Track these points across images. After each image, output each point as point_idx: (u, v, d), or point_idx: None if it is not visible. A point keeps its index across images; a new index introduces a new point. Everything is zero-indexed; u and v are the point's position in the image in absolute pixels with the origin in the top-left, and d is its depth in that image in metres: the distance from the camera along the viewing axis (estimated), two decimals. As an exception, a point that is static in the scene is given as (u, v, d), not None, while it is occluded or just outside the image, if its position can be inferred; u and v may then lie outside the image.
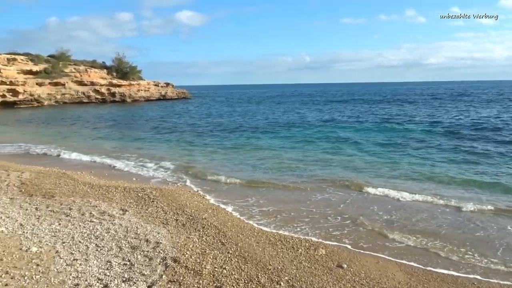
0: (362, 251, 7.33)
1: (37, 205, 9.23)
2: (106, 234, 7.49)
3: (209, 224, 8.25)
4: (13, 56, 62.72)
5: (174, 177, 13.18)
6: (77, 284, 5.55)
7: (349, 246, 7.56)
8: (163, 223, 8.24)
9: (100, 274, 5.91)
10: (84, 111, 47.08)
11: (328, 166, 14.64)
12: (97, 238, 7.30)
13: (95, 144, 21.28)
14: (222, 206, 9.92)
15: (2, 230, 7.53)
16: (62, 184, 11.14)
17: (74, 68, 67.05)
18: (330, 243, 7.67)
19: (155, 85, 76.18)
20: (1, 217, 8.25)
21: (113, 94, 66.56)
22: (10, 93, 57.50)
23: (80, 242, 7.12)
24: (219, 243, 7.23)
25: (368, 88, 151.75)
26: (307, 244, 7.45)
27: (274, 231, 8.22)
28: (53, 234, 7.47)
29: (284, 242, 7.50)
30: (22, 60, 63.44)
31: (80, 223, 8.07)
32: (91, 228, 7.82)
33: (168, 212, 8.97)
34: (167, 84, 79.09)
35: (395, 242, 7.74)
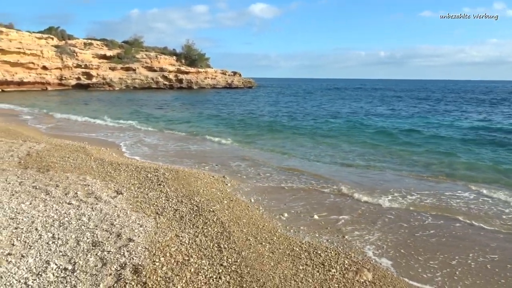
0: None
1: (24, 179, 7.73)
2: (74, 222, 5.63)
3: (214, 219, 6.05)
4: (89, 41, 65.71)
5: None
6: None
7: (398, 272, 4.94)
8: (157, 213, 6.21)
9: (21, 280, 4.00)
10: (159, 96, 47.46)
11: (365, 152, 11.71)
12: (60, 226, 5.47)
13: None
14: (244, 197, 7.67)
15: (-41, 206, 6.01)
16: (70, 159, 9.64)
17: (145, 54, 68.59)
18: (382, 264, 5.10)
19: (222, 73, 75.78)
20: (-26, 190, 6.79)
21: (180, 81, 67.14)
22: (85, 76, 60.25)
23: (36, 229, 5.33)
24: (215, 249, 5.01)
25: (450, 86, 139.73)
26: (346, 262, 4.97)
27: (303, 237, 5.81)
28: (13, 216, 5.78)
29: (311, 255, 5.09)
30: (97, 45, 66.29)
31: (54, 205, 6.32)
32: (63, 212, 6.02)
33: (170, 199, 6.94)
34: (234, 73, 78.30)
35: (489, 273, 4.96)
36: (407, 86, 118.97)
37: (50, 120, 20.96)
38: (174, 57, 72.17)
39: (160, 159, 10.97)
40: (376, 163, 11.33)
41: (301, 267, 4.75)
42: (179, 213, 6.26)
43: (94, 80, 60.37)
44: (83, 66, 60.30)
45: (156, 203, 6.71)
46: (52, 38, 61.82)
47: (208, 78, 71.40)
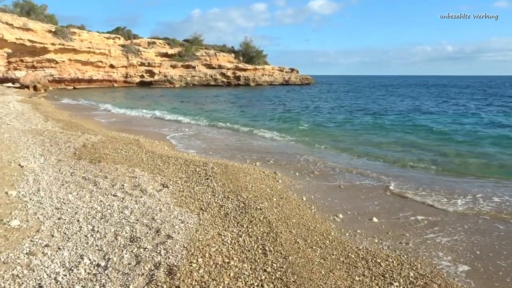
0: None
1: (76, 169, 7.76)
2: (116, 215, 5.41)
3: (261, 218, 5.55)
4: (153, 40, 68.25)
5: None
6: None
7: (494, 292, 4.10)
8: (201, 209, 5.84)
9: (51, 275, 3.78)
10: (217, 91, 48.25)
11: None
12: (101, 219, 5.27)
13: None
14: (295, 195, 7.09)
15: (11, 194, 6.06)
16: (123, 151, 9.64)
17: (205, 52, 69.95)
18: (455, 280, 4.30)
19: (280, 70, 75.32)
20: (28, 179, 6.88)
21: (237, 78, 67.68)
22: (148, 74, 62.70)
23: (78, 221, 5.17)
24: (260, 251, 4.51)
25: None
26: (411, 275, 4.24)
27: (360, 243, 5.13)
28: (59, 206, 5.70)
29: (369, 264, 4.42)
30: (160, 43, 68.71)
31: (100, 196, 6.18)
32: (107, 204, 5.85)
33: (217, 194, 6.55)
34: (292, 70, 77.48)
35: None
36: (477, 81, 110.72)
37: (111, 114, 21.74)
38: (233, 55, 72.86)
39: (211, 154, 10.70)
40: (442, 165, 10.21)
41: (357, 278, 4.10)
42: (224, 210, 5.84)
43: (156, 77, 62.66)
44: (146, 64, 62.78)
45: (201, 198, 6.35)
46: (119, 38, 65.05)
47: (265, 75, 71.28)
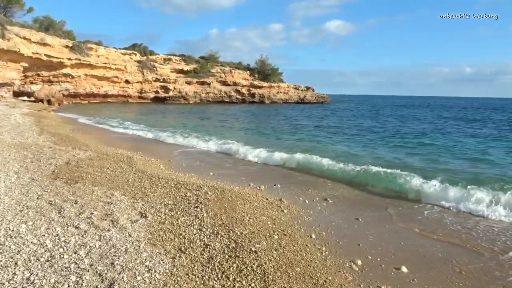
0: None
1: (46, 191, 6.62)
2: (67, 257, 4.19)
3: (254, 266, 4.24)
4: (169, 57, 68.33)
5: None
6: None
7: None
8: (180, 249, 4.57)
9: None
10: (231, 109, 47.42)
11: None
12: (47, 262, 4.06)
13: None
14: (302, 230, 5.76)
15: (-48, 222, 4.91)
16: (109, 170, 8.49)
17: (220, 69, 69.63)
18: None
19: (295, 88, 74.32)
20: (-15, 202, 5.76)
21: (252, 95, 66.95)
22: (163, 90, 62.51)
23: (16, 264, 3.97)
24: (245, 323, 3.19)
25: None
26: None
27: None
28: (2, 240, 4.52)
29: None
30: (176, 60, 68.70)
31: (58, 228, 4.98)
32: (63, 240, 4.64)
33: (204, 229, 5.28)
34: (307, 88, 76.36)
35: None
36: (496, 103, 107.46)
37: (118, 130, 20.83)
38: (248, 72, 72.33)
39: (212, 175, 9.45)
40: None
41: None
42: (208, 251, 4.55)
43: (170, 93, 62.41)
44: (161, 80, 62.67)
45: (184, 234, 5.08)
46: (135, 54, 65.25)
47: (281, 92, 70.39)
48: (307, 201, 7.45)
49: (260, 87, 68.36)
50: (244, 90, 66.95)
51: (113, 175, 8.00)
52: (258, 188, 8.28)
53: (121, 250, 4.41)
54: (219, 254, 4.49)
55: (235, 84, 67.63)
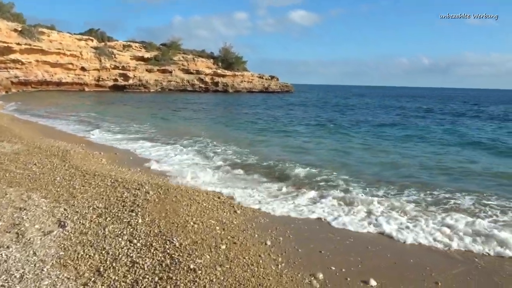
0: None
1: None
2: None
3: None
4: (128, 43, 65.42)
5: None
6: None
7: None
8: (98, 271, 3.60)
9: None
10: (201, 98, 45.81)
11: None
12: None
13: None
14: (256, 236, 4.91)
15: None
16: (35, 166, 7.30)
17: (182, 57, 67.48)
18: None
19: (259, 77, 73.40)
20: None
21: (216, 84, 65.50)
22: (122, 78, 59.83)
23: None
24: None
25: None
26: None
27: None
28: None
29: None
30: (136, 47, 65.87)
31: None
32: None
33: (136, 240, 4.31)
34: (272, 77, 75.66)
35: None
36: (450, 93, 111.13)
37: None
38: (211, 60, 70.64)
39: (161, 169, 8.42)
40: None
41: None
42: (133, 273, 3.61)
43: (130, 81, 59.84)
44: (120, 67, 59.88)
45: (108, 248, 4.10)
46: (92, 40, 61.92)
47: (245, 81, 69.29)
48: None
49: (223, 76, 66.95)
50: (207, 79, 65.35)
51: (39, 173, 6.82)
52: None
53: (15, 276, 3.38)
54: (147, 276, 3.56)
55: (198, 72, 65.83)
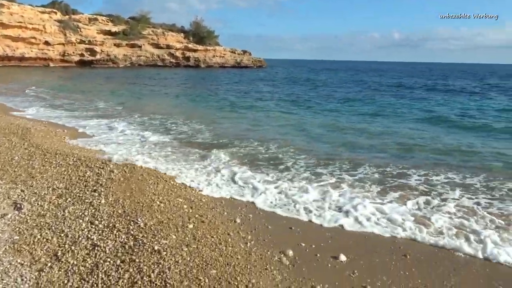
0: None
1: None
2: None
3: (154, 274, 3.21)
4: (94, 16, 62.63)
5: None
6: None
7: None
8: (55, 255, 3.40)
9: None
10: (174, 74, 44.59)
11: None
12: None
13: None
14: (225, 213, 4.80)
15: None
16: (-8, 145, 6.87)
17: (152, 31, 65.33)
18: None
19: (232, 52, 72.23)
20: None
21: (187, 58, 64.05)
22: (88, 53, 57.51)
23: None
24: None
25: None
26: None
27: None
28: None
29: None
30: (102, 20, 63.17)
31: None
32: None
33: (98, 221, 4.11)
34: (244, 52, 74.58)
35: None
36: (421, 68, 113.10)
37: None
38: (182, 35, 68.76)
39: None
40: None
41: None
42: (94, 256, 3.42)
43: (98, 56, 57.62)
44: (86, 42, 57.43)
45: (67, 230, 3.89)
46: (56, 13, 58.84)
47: (217, 56, 68.06)
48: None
49: (195, 51, 65.48)
50: (178, 54, 63.76)
51: (-6, 153, 6.43)
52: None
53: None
54: (109, 259, 3.38)
55: (168, 47, 64.05)
